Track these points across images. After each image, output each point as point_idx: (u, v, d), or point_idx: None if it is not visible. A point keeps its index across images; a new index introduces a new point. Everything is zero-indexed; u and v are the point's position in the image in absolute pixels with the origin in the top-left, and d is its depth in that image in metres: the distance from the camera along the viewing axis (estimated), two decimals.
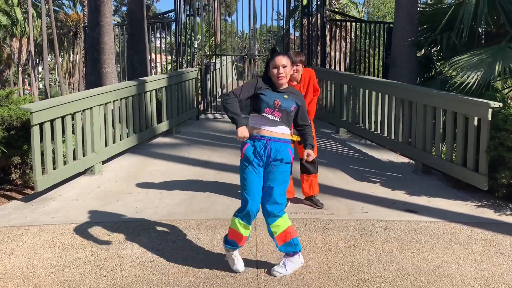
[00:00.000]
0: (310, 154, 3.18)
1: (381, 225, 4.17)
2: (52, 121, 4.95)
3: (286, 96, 3.17)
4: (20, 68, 34.82)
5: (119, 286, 3.11)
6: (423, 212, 4.51)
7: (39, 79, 42.89)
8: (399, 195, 5.02)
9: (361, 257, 3.55)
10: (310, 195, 4.66)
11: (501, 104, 4.74)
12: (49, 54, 35.20)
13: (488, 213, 4.53)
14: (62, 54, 38.60)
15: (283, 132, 3.16)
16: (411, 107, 6.01)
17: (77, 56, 36.03)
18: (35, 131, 4.74)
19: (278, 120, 3.12)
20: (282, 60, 3.15)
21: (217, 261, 3.41)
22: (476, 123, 4.90)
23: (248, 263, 3.37)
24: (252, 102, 3.21)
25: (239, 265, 3.25)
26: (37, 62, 38.11)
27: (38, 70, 40.08)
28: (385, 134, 6.65)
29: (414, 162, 6.07)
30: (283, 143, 3.15)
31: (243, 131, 3.04)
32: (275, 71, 3.15)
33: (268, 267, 3.33)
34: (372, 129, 7.00)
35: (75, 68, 38.16)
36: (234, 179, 5.36)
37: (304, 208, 4.60)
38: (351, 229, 4.06)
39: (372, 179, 5.56)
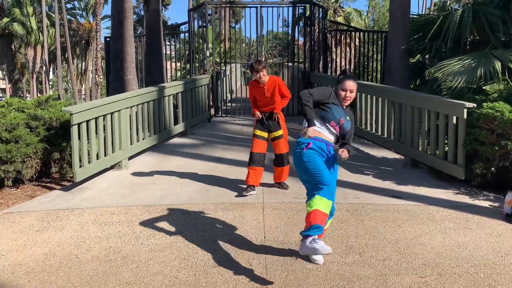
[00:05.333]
0: (341, 153, 3.48)
1: (369, 207, 4.91)
2: (87, 121, 5.76)
3: (348, 118, 3.70)
4: (34, 76, 35.96)
5: (154, 250, 3.89)
6: (407, 198, 5.24)
7: (50, 86, 44.02)
8: (388, 185, 5.75)
9: (350, 230, 4.30)
10: (278, 181, 5.63)
11: (475, 105, 5.47)
12: (62, 62, 36.31)
13: (464, 199, 5.25)
14: (74, 61, 39.69)
15: (333, 140, 3.69)
16: (401, 109, 6.76)
17: (89, 63, 37.08)
18: (74, 130, 5.54)
19: (336, 133, 3.68)
20: (351, 85, 3.57)
21: (232, 233, 4.17)
22: (454, 121, 5.63)
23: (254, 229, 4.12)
24: (321, 108, 3.64)
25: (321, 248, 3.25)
26: (50, 69, 39.25)
27: (49, 77, 41.21)
28: (379, 133, 7.39)
29: (404, 158, 6.81)
30: (332, 147, 3.72)
31: (312, 132, 3.49)
32: (343, 93, 3.58)
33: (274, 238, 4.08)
34: (368, 129, 7.74)
35: (87, 75, 39.25)
36: (243, 172, 6.13)
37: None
38: (344, 210, 4.80)
39: (366, 172, 6.30)
